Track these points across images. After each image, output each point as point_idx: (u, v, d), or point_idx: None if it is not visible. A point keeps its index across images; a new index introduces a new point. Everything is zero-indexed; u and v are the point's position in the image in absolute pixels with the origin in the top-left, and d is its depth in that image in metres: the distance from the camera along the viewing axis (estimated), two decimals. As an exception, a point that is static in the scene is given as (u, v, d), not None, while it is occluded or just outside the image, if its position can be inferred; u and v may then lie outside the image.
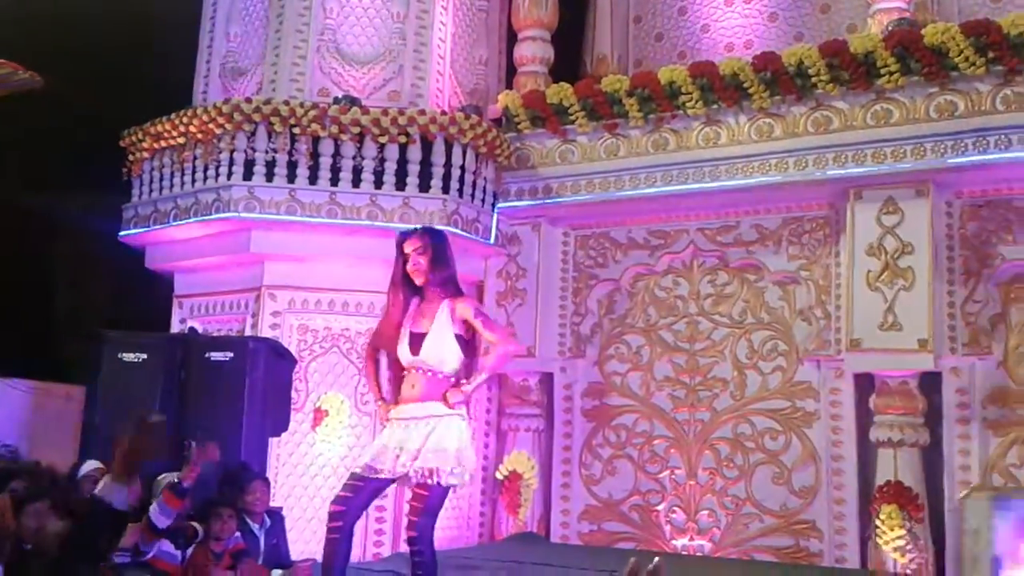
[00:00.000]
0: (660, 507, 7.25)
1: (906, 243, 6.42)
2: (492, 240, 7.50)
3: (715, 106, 6.91)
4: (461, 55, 7.86)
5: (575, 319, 7.70)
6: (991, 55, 6.07)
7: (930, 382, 6.50)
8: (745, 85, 6.75)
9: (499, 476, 7.52)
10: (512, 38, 8.28)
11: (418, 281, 3.93)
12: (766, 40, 7.96)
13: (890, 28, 6.43)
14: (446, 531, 7.35)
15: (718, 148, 6.92)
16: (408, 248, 3.93)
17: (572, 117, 7.35)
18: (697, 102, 6.92)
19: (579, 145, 7.44)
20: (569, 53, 8.56)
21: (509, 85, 8.12)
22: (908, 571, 6.16)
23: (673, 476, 7.25)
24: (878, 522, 6.25)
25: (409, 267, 3.91)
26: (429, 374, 3.86)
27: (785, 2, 8.10)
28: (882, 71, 6.34)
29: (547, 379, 7.71)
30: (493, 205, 7.52)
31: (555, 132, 7.47)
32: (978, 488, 6.21)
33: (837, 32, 7.60)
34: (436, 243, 3.95)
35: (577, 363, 7.66)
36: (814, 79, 6.55)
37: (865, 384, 6.71)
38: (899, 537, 6.20)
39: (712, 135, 6.96)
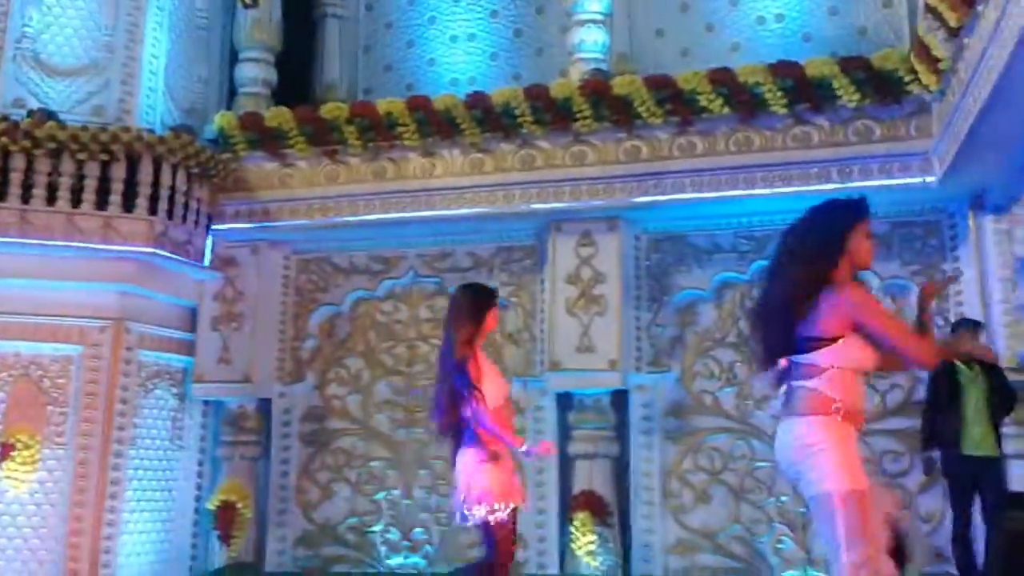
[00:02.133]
0: (376, 528, 7.39)
1: (600, 273, 7.04)
2: (206, 263, 7.32)
3: (431, 139, 7.21)
4: (177, 72, 7.62)
5: (295, 343, 7.69)
6: (668, 107, 6.82)
7: (620, 399, 7.15)
8: (458, 121, 7.11)
9: (210, 507, 7.32)
10: (235, 58, 8.16)
11: None
12: (488, 78, 8.40)
13: (586, 77, 7.05)
14: (155, 564, 7.06)
15: (434, 179, 7.23)
16: None
17: (292, 141, 7.37)
18: (414, 134, 7.19)
19: (298, 169, 7.47)
20: (300, 77, 8.57)
21: (231, 106, 7.99)
22: (598, 573, 6.72)
23: (390, 496, 7.42)
24: (573, 529, 6.78)
25: None
26: None
27: (505, 43, 8.59)
28: (578, 116, 6.92)
29: (264, 405, 7.63)
30: (208, 227, 7.34)
31: (274, 155, 7.46)
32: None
33: (550, 75, 8.16)
34: None
35: (296, 388, 7.64)
36: (520, 119, 7.03)
37: (566, 402, 7.25)
38: (591, 542, 6.75)
39: (428, 166, 7.26)
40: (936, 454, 5.67)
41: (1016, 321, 6.23)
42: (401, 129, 7.15)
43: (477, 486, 3.93)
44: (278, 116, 7.38)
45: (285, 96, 8.03)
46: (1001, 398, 5.62)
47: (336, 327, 7.73)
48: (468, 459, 4.00)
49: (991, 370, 5.70)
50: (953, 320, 6.32)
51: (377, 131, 7.21)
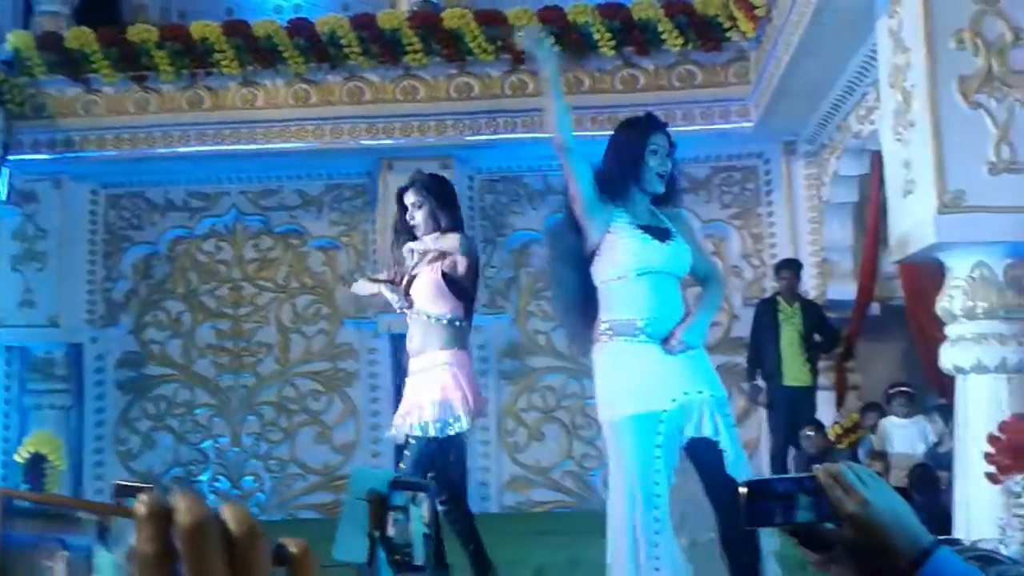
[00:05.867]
0: (203, 477, 7.14)
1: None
2: (2, 197, 6.68)
3: (251, 67, 6.78)
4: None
5: (106, 285, 7.20)
6: (500, 43, 6.66)
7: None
8: (280, 49, 6.71)
9: (19, 459, 6.83)
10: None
11: None
12: (315, 6, 7.92)
13: (415, 8, 6.79)
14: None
15: (255, 110, 6.82)
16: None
17: (96, 65, 6.75)
18: (232, 61, 6.73)
19: (104, 96, 6.87)
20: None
21: (28, 25, 7.21)
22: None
23: (216, 444, 7.17)
24: (406, 470, 6.76)
25: None
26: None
27: (333, -30, 8.15)
28: (408, 49, 6.67)
29: (75, 351, 7.14)
30: (3, 158, 6.67)
31: (77, 80, 6.82)
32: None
33: (381, 4, 7.83)
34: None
35: (110, 332, 7.18)
36: (347, 50, 6.70)
37: (400, 343, 7.14)
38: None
39: (249, 96, 6.84)
40: (761, 383, 6.00)
41: (823, 261, 6.60)
42: (218, 56, 6.67)
43: None
44: (79, 37, 6.72)
45: (90, 17, 7.33)
46: (823, 336, 5.95)
47: (152, 268, 7.28)
48: None
49: (808, 307, 6.03)
50: (771, 261, 6.65)
51: (191, 57, 6.70)
